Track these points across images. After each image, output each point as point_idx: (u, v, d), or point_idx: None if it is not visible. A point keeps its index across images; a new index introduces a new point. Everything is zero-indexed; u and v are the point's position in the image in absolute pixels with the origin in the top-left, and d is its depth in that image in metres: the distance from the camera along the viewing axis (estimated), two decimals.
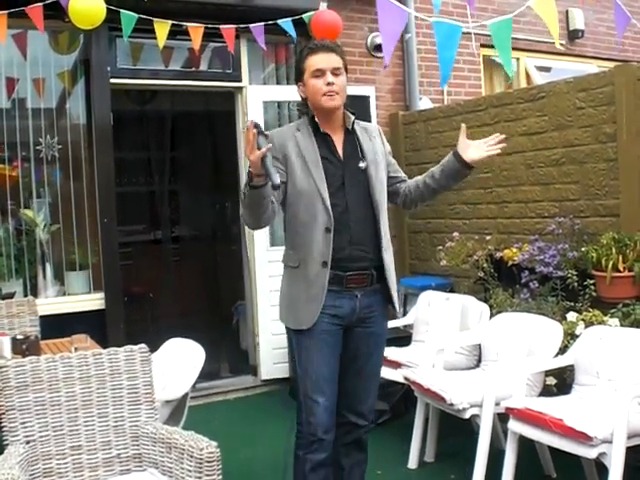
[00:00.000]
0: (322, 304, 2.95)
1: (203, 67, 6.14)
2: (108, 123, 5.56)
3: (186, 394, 3.73)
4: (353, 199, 3.02)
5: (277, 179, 2.66)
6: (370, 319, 3.09)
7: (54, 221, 5.63)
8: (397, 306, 3.21)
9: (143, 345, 3.12)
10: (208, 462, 2.59)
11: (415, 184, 3.23)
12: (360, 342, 3.10)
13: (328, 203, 2.96)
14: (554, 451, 3.69)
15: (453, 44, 3.40)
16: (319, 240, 2.95)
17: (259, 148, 2.65)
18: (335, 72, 2.99)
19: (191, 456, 2.66)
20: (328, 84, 2.97)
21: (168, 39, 5.08)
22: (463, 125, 3.09)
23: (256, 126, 2.69)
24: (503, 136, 3.10)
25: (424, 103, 6.81)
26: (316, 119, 3.06)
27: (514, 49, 7.61)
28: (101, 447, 2.98)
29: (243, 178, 5.72)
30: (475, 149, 3.07)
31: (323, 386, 2.99)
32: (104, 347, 3.37)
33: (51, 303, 5.39)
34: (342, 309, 3.01)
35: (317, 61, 2.99)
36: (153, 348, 3.89)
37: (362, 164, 3.05)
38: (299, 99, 3.15)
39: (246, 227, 3.23)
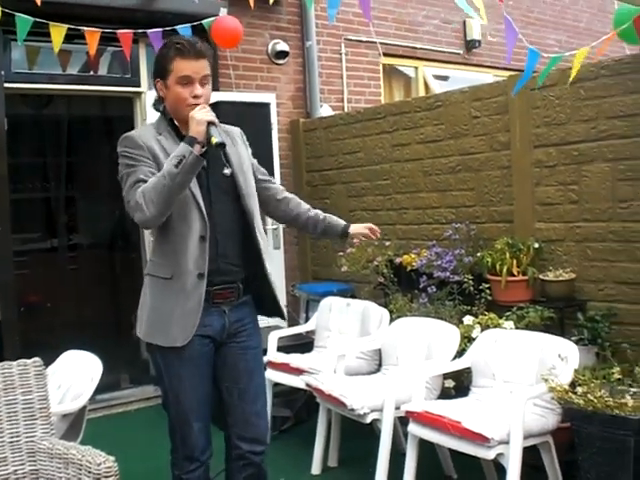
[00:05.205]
0: (198, 318, 2.78)
1: (101, 72, 6.04)
2: (2, 128, 5.40)
3: (84, 407, 3.65)
4: (219, 209, 2.86)
5: (222, 139, 2.62)
6: (242, 333, 2.96)
7: None
8: (285, 313, 3.18)
9: (37, 359, 3.03)
10: (106, 477, 2.54)
11: (296, 212, 3.20)
12: (237, 358, 2.96)
13: (204, 209, 2.79)
14: (454, 452, 3.76)
15: None
16: (194, 249, 2.78)
17: (208, 134, 2.61)
18: (203, 81, 2.79)
19: (89, 472, 2.58)
20: (195, 96, 2.76)
21: (66, 43, 4.95)
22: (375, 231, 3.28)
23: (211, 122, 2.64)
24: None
25: (325, 110, 6.87)
26: (175, 122, 2.86)
27: (413, 58, 7.80)
28: None
29: None
30: (361, 228, 3.23)
31: (197, 412, 2.87)
32: None
33: None
34: (212, 327, 2.86)
35: (186, 67, 2.75)
36: (51, 359, 3.80)
37: (227, 170, 2.75)
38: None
39: (144, 227, 3.02)
